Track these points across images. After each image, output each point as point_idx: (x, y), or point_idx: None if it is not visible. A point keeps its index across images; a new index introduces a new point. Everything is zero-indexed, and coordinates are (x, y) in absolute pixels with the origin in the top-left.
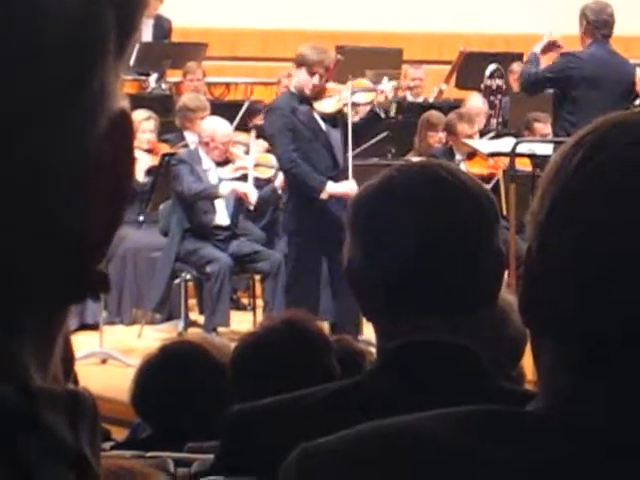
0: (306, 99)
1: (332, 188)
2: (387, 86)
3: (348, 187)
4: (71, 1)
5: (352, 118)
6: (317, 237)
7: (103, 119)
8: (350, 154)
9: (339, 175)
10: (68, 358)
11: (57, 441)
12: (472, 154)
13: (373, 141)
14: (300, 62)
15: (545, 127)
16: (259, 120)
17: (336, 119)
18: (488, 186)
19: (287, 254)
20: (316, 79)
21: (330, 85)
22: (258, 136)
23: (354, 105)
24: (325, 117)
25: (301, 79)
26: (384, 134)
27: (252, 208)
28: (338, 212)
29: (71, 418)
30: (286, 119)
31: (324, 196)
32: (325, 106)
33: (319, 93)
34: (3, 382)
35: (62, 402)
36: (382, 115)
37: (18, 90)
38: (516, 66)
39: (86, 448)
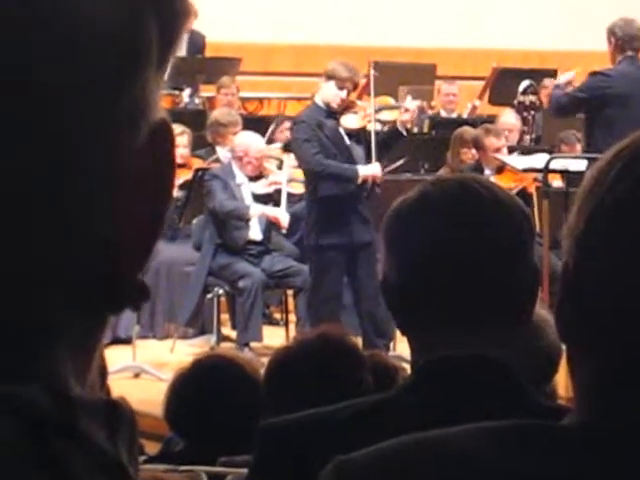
0: (333, 113)
1: (363, 171)
2: (411, 105)
3: (375, 169)
4: (117, 9)
5: (380, 133)
6: (338, 251)
7: (144, 128)
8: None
9: (359, 193)
10: (102, 369)
11: (96, 449)
12: (501, 168)
13: (392, 167)
14: (330, 75)
15: (571, 150)
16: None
17: (359, 135)
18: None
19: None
20: (344, 93)
21: (357, 102)
22: (289, 151)
23: (379, 122)
24: (349, 132)
25: (330, 92)
26: (402, 160)
27: (284, 232)
28: (358, 225)
29: (109, 427)
30: (312, 132)
31: (360, 181)
32: (350, 122)
33: (345, 109)
34: (42, 390)
35: (100, 411)
36: (404, 133)
37: (54, 92)
38: (548, 82)
39: (124, 457)
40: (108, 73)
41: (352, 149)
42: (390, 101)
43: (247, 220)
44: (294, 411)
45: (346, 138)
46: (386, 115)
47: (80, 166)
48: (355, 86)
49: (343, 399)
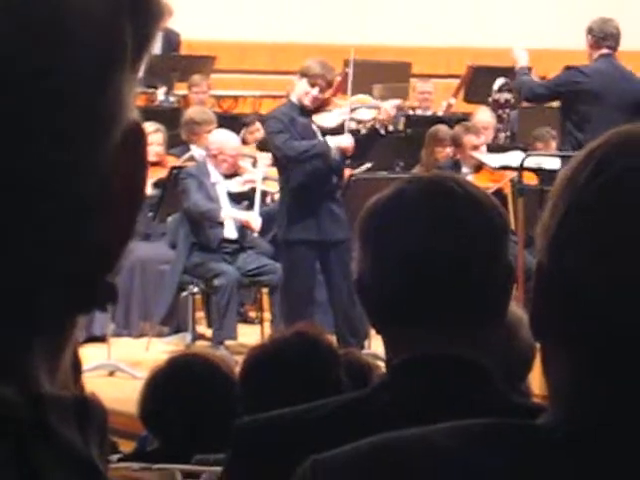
0: (306, 111)
1: (333, 142)
2: (387, 105)
3: (346, 139)
4: (96, 8)
5: (360, 132)
6: (307, 247)
7: (117, 129)
8: None
9: (333, 190)
10: (76, 366)
11: (66, 445)
12: (479, 167)
13: (357, 171)
14: (303, 73)
15: (545, 148)
16: (259, 133)
17: (338, 134)
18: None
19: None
20: (315, 91)
21: (334, 100)
22: (264, 149)
23: (356, 122)
24: (324, 131)
25: (301, 90)
26: (368, 165)
27: (256, 235)
28: (329, 223)
29: (80, 423)
30: (283, 126)
31: (334, 153)
32: (324, 120)
33: (320, 107)
34: (12, 387)
35: (71, 408)
36: (382, 132)
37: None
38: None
39: (94, 453)
40: (90, 72)
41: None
42: (369, 100)
43: (218, 222)
44: (269, 409)
45: (319, 135)
46: (363, 114)
47: (59, 168)
48: (329, 84)
49: (318, 397)
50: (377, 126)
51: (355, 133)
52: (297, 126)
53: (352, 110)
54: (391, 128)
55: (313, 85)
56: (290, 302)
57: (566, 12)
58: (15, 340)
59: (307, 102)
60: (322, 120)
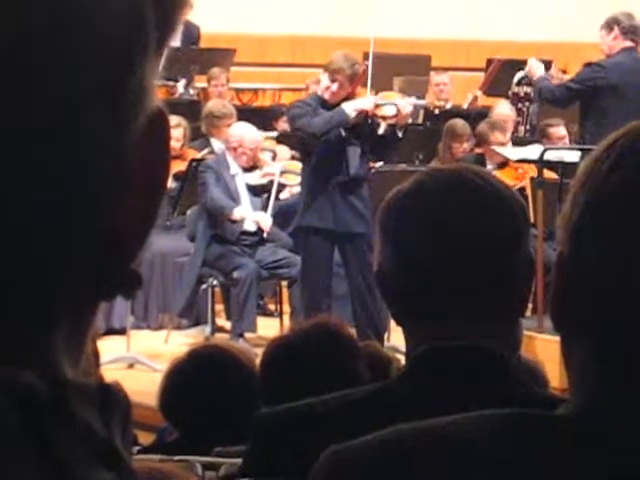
0: (328, 105)
1: (351, 106)
2: (405, 103)
3: (366, 101)
4: None
5: (380, 128)
6: (320, 236)
7: (141, 117)
8: None
9: (349, 183)
10: (95, 353)
11: (90, 433)
12: (503, 164)
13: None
14: (325, 67)
15: (559, 129)
16: (284, 125)
17: (358, 130)
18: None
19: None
20: (335, 86)
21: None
22: (283, 142)
23: (380, 117)
24: (348, 126)
25: (323, 84)
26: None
27: (265, 236)
28: (346, 214)
29: (103, 411)
30: (305, 111)
31: (352, 115)
32: None
33: (342, 101)
34: (35, 373)
35: (93, 395)
36: (399, 135)
37: (58, 86)
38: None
39: (118, 441)
40: (112, 62)
41: (346, 140)
42: (394, 95)
43: (231, 221)
44: (289, 400)
45: (342, 131)
46: (387, 110)
47: (83, 156)
48: (349, 78)
49: (339, 389)
50: (397, 129)
51: (374, 129)
52: None
53: (376, 106)
54: (409, 121)
55: (333, 80)
56: (307, 291)
57: (583, 4)
58: (36, 326)
59: (326, 96)
60: None
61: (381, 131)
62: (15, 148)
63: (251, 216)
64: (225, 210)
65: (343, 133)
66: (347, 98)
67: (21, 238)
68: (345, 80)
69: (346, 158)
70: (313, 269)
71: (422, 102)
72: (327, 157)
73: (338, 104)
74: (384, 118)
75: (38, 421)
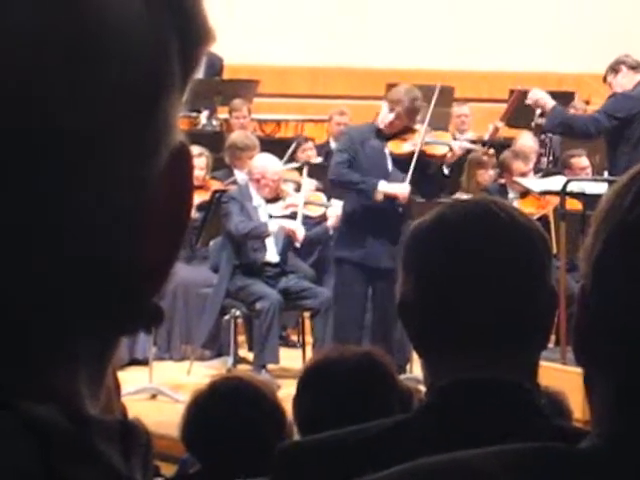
0: (382, 135)
1: (384, 187)
2: (457, 145)
3: (401, 188)
4: (144, 32)
5: (430, 168)
6: (362, 265)
7: (165, 152)
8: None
9: (391, 218)
10: (117, 386)
11: (110, 470)
12: (525, 193)
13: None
14: (386, 96)
15: (581, 160)
16: (311, 157)
17: (406, 163)
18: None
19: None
20: (391, 116)
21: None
22: (310, 175)
23: (428, 155)
24: (395, 158)
25: (382, 113)
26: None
27: (298, 245)
28: (383, 243)
29: (124, 447)
30: (349, 145)
31: (379, 197)
32: (395, 146)
33: (399, 133)
34: (56, 409)
35: (115, 431)
36: (446, 173)
37: (83, 120)
38: (577, 104)
39: (138, 476)
40: (139, 98)
41: (393, 175)
42: (445, 136)
43: (266, 237)
44: (320, 422)
45: (389, 162)
46: (439, 149)
47: (106, 191)
48: (407, 111)
49: (370, 420)
50: (444, 167)
51: (423, 167)
52: (366, 148)
53: (426, 144)
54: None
55: (391, 110)
56: (337, 323)
57: (605, 37)
58: (55, 361)
59: (382, 126)
60: (393, 146)
61: (431, 170)
62: (34, 181)
63: (286, 224)
64: (256, 230)
65: (389, 165)
66: (403, 131)
67: (39, 272)
68: (403, 112)
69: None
70: (344, 300)
71: (472, 146)
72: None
73: (394, 136)
74: (433, 157)
75: (59, 457)
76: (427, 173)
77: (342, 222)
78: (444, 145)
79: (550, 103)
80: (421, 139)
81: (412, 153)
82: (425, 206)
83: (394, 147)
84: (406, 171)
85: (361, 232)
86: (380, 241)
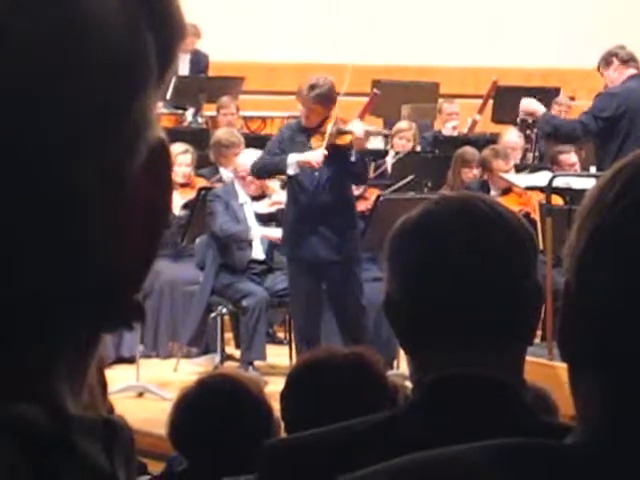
0: (307, 130)
1: (296, 158)
2: (357, 128)
3: (314, 154)
4: (117, 25)
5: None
6: (307, 261)
7: (143, 148)
8: None
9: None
10: (103, 384)
11: (93, 467)
12: (507, 190)
13: (400, 184)
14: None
15: (570, 156)
16: None
17: (333, 156)
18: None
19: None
20: (301, 109)
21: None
22: None
23: (341, 146)
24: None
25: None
26: (409, 178)
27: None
28: (325, 236)
29: (106, 445)
30: (279, 144)
31: (291, 170)
32: (320, 141)
33: (318, 127)
34: (37, 407)
35: (97, 429)
36: (352, 159)
37: (56, 116)
38: (560, 99)
39: (121, 474)
40: (116, 94)
41: (321, 168)
42: (354, 123)
43: (248, 242)
44: (308, 418)
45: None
46: (342, 138)
47: (83, 188)
48: (313, 101)
49: (359, 414)
50: (352, 152)
51: (342, 156)
52: (297, 145)
53: (338, 133)
54: (418, 148)
55: (301, 104)
56: (294, 323)
57: (589, 31)
58: (36, 359)
59: (304, 122)
60: (316, 142)
61: (353, 157)
62: (12, 180)
63: (269, 233)
64: (238, 235)
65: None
66: (324, 121)
67: (17, 271)
68: (308, 103)
69: (314, 184)
70: (303, 297)
71: (372, 129)
72: (301, 187)
73: (315, 128)
74: (344, 145)
75: (40, 455)
76: (350, 161)
77: (283, 223)
78: (349, 132)
79: (540, 110)
80: (330, 130)
81: (329, 145)
82: (393, 202)
83: (315, 142)
84: (332, 164)
85: (303, 229)
86: (321, 235)
